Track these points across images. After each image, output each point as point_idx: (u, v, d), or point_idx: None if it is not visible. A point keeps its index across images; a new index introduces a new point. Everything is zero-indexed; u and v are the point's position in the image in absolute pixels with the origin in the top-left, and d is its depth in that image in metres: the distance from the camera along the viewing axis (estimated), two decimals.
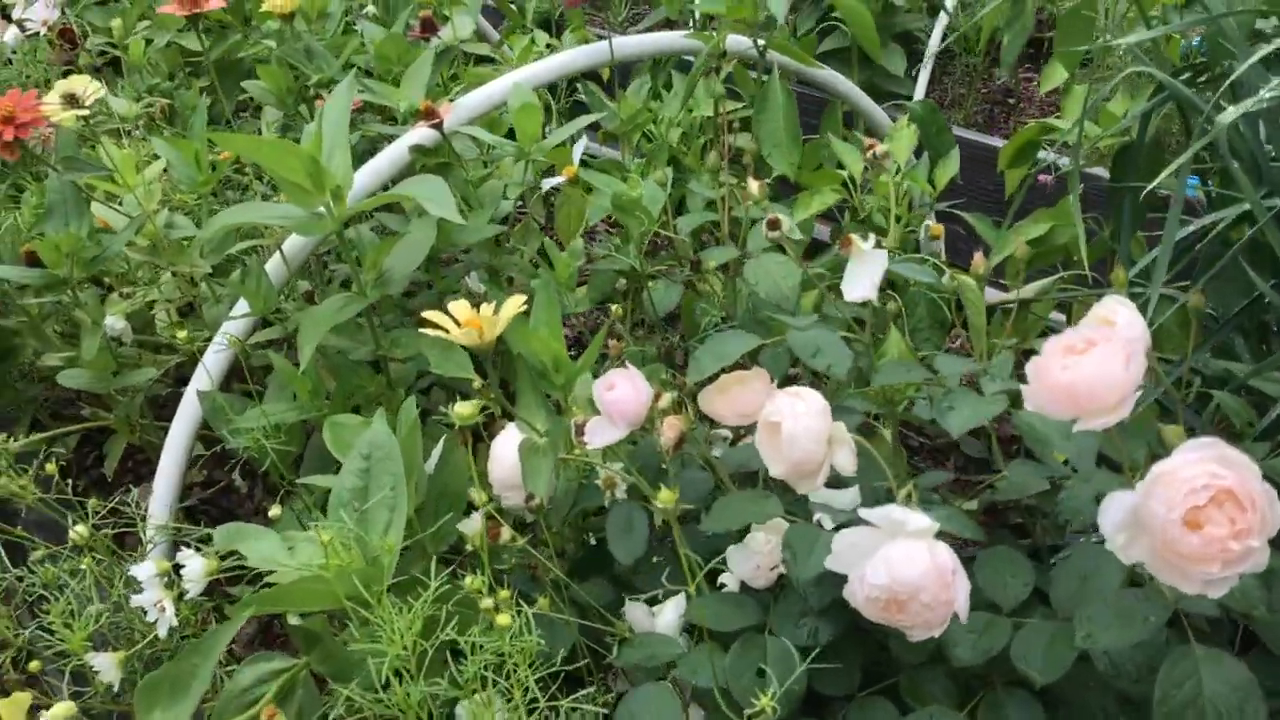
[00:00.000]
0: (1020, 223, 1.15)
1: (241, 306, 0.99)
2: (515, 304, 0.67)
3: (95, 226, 0.95)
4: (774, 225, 0.67)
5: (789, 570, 0.64)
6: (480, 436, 0.89)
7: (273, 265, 1.03)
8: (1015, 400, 0.63)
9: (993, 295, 1.12)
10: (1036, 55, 2.88)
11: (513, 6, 2.20)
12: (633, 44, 1.15)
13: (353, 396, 0.98)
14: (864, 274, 0.65)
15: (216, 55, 1.78)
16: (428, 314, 0.67)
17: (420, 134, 1.04)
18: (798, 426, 0.58)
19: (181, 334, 0.83)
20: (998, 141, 1.98)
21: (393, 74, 1.16)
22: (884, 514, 0.52)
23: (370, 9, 1.43)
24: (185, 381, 1.26)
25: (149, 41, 1.78)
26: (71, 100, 0.85)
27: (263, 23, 1.68)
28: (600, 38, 1.56)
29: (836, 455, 0.59)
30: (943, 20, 2.54)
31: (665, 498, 0.56)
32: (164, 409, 1.24)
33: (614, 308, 0.89)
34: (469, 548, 0.69)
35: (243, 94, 1.84)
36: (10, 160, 0.84)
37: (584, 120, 1.05)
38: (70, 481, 1.29)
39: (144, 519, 0.98)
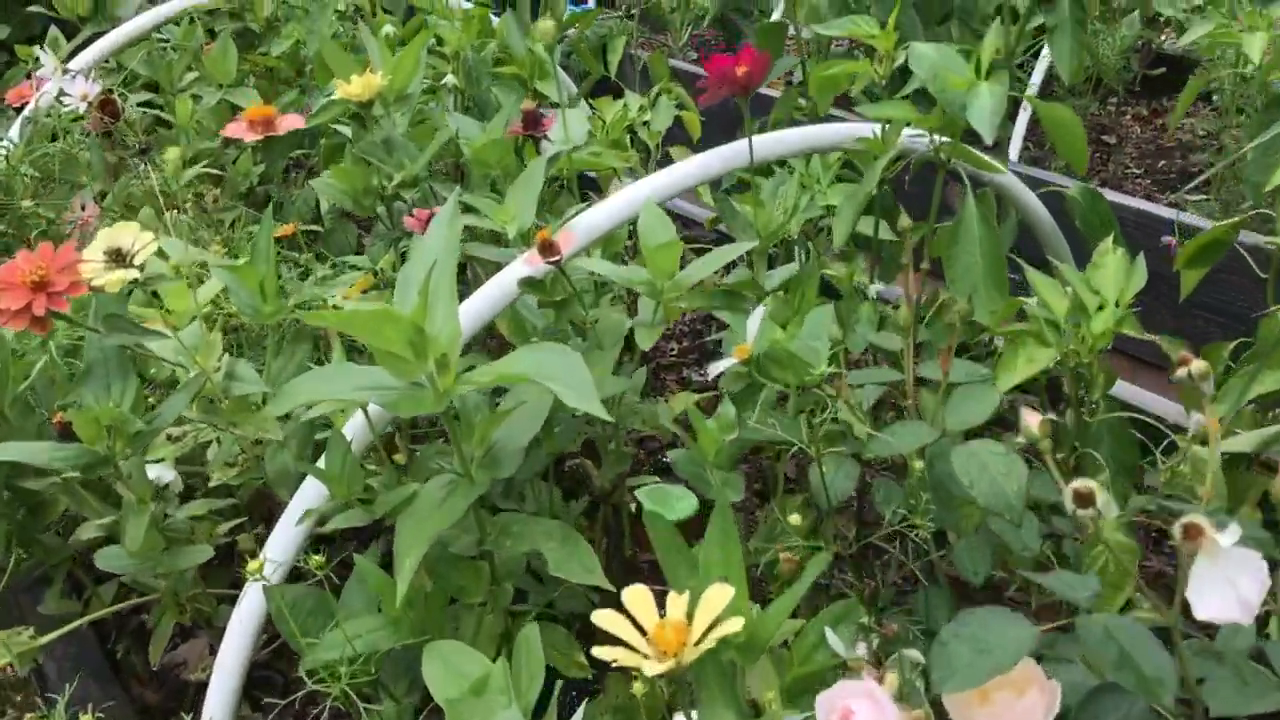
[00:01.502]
0: (1249, 367, 0.95)
1: (313, 486, 0.82)
2: (720, 600, 0.49)
3: (142, 391, 0.77)
4: (1086, 501, 0.48)
5: None
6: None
7: (354, 428, 0.85)
8: None
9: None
10: (1131, 91, 2.66)
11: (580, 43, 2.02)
12: (782, 141, 0.96)
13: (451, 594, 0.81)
14: (1222, 582, 0.46)
15: None
16: (601, 619, 0.49)
17: (531, 267, 0.86)
18: None
19: (253, 565, 0.65)
20: (1149, 206, 1.75)
21: (489, 176, 0.98)
22: None
23: (450, 79, 1.25)
24: (240, 529, 1.09)
25: (197, 99, 1.61)
26: (118, 258, 0.68)
27: (323, 83, 1.51)
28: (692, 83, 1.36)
29: None
30: (1045, 60, 2.33)
31: None
32: (216, 569, 1.06)
33: (794, 518, 0.70)
34: None
35: (295, 152, 1.67)
36: (41, 335, 0.66)
37: (732, 251, 0.86)
38: (111, 640, 1.14)
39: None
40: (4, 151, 1.32)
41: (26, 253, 0.68)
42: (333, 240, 1.51)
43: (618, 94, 1.54)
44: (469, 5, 1.63)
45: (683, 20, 3.20)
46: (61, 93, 1.24)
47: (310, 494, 0.83)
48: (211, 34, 1.77)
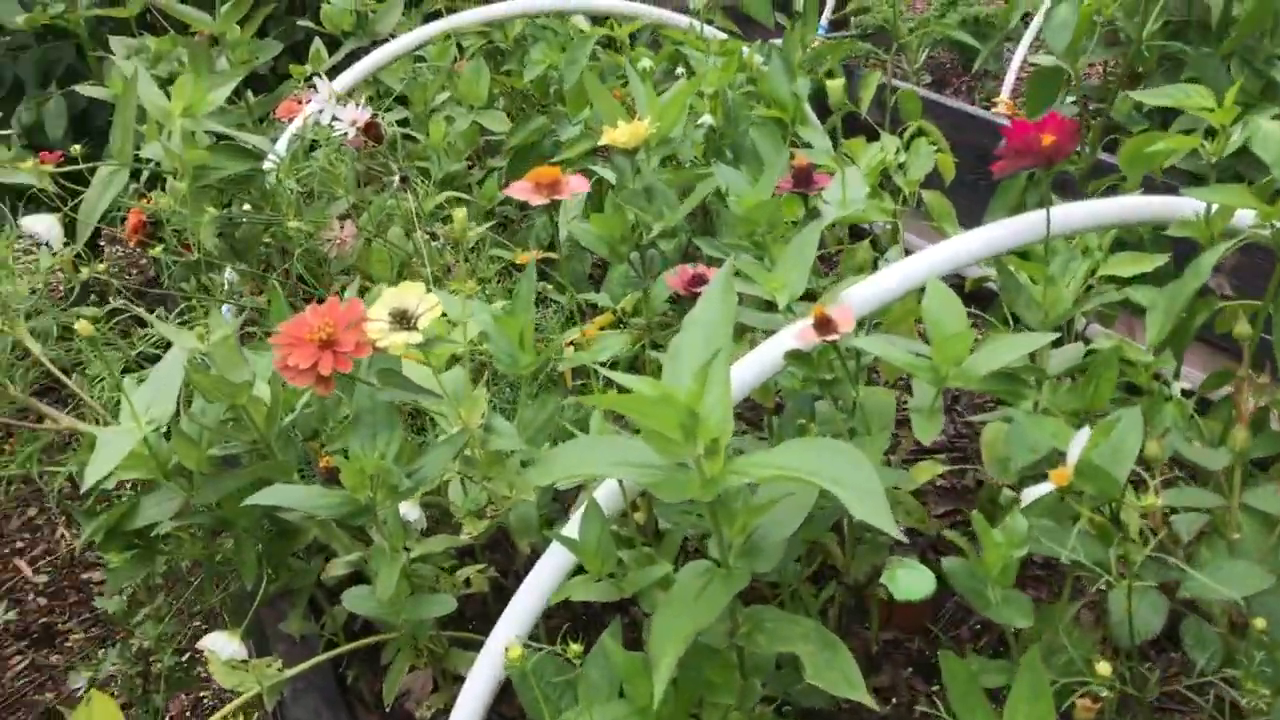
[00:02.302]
0: None
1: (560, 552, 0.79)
2: None
3: (405, 443, 0.77)
4: None
5: None
6: None
7: (605, 494, 0.83)
8: None
9: None
10: None
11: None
12: (1086, 215, 0.87)
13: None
14: None
15: (519, 141, 1.62)
16: None
17: (802, 342, 0.80)
18: None
19: (514, 654, 0.63)
20: None
21: (754, 234, 0.93)
22: None
23: (708, 119, 1.21)
24: (469, 556, 1.07)
25: (450, 120, 1.64)
26: (402, 319, 0.67)
27: (574, 114, 1.51)
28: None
29: None
30: None
31: None
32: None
33: (1103, 666, 0.61)
34: None
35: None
36: (323, 395, 0.66)
37: (1031, 342, 0.78)
38: (342, 664, 1.16)
39: None
40: (272, 166, 1.37)
41: (316, 308, 0.68)
42: (568, 268, 1.50)
43: (867, 131, 1.47)
44: (723, 35, 1.59)
45: (919, 43, 3.07)
46: (334, 117, 1.27)
47: (557, 560, 0.80)
48: (460, 49, 1.80)
